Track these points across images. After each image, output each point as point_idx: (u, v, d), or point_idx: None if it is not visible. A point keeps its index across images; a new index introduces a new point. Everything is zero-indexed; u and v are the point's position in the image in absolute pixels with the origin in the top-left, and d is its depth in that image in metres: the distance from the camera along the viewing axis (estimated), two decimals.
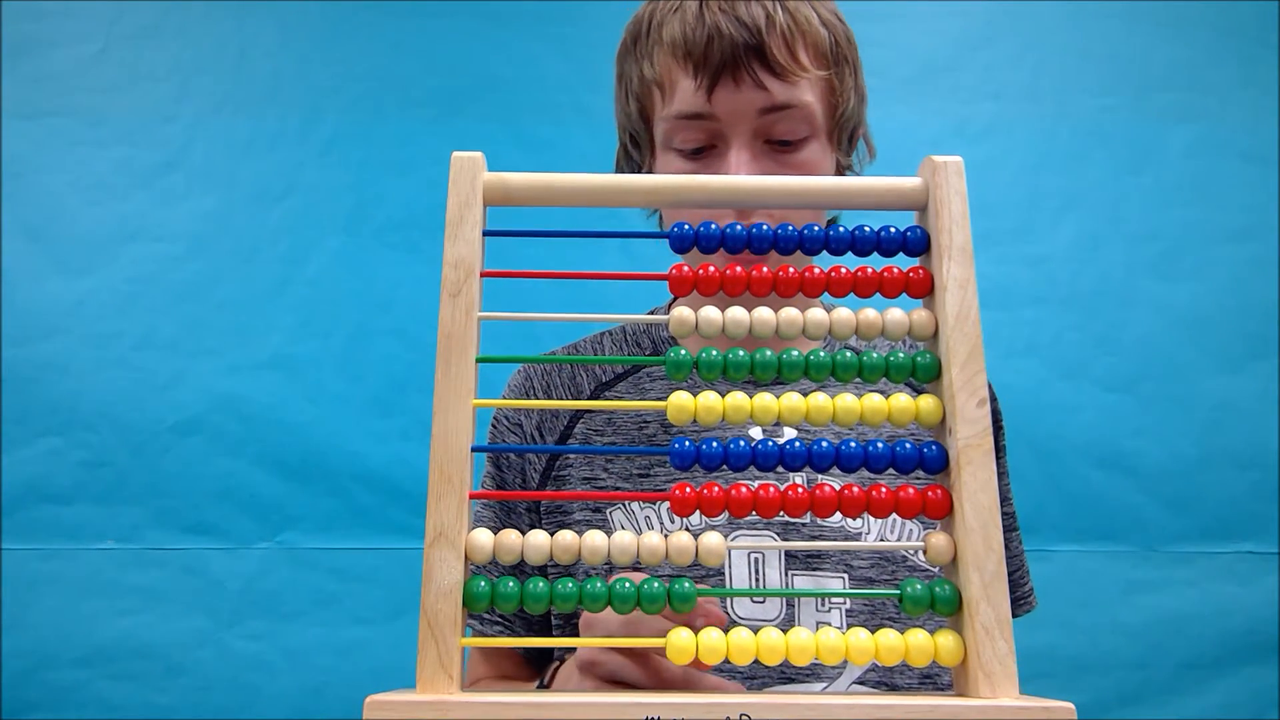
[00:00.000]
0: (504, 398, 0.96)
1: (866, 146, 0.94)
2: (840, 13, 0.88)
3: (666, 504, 0.84)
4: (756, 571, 0.82)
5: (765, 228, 0.64)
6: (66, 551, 1.71)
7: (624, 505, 0.85)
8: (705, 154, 0.84)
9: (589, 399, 0.92)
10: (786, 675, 0.80)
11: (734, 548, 0.77)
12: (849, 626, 0.58)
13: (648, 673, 0.64)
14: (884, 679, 0.82)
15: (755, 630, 0.57)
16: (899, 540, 0.84)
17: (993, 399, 0.93)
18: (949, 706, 0.52)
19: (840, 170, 0.91)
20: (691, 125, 0.83)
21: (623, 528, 0.84)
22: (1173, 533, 1.73)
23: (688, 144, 0.84)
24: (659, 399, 0.90)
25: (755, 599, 0.81)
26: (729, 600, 0.81)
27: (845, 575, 0.82)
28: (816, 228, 0.65)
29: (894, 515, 0.82)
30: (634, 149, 0.91)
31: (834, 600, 0.81)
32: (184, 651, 1.68)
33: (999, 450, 0.94)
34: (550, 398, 0.93)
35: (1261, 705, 1.67)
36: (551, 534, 0.59)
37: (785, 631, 0.57)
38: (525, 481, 0.92)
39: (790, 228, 0.65)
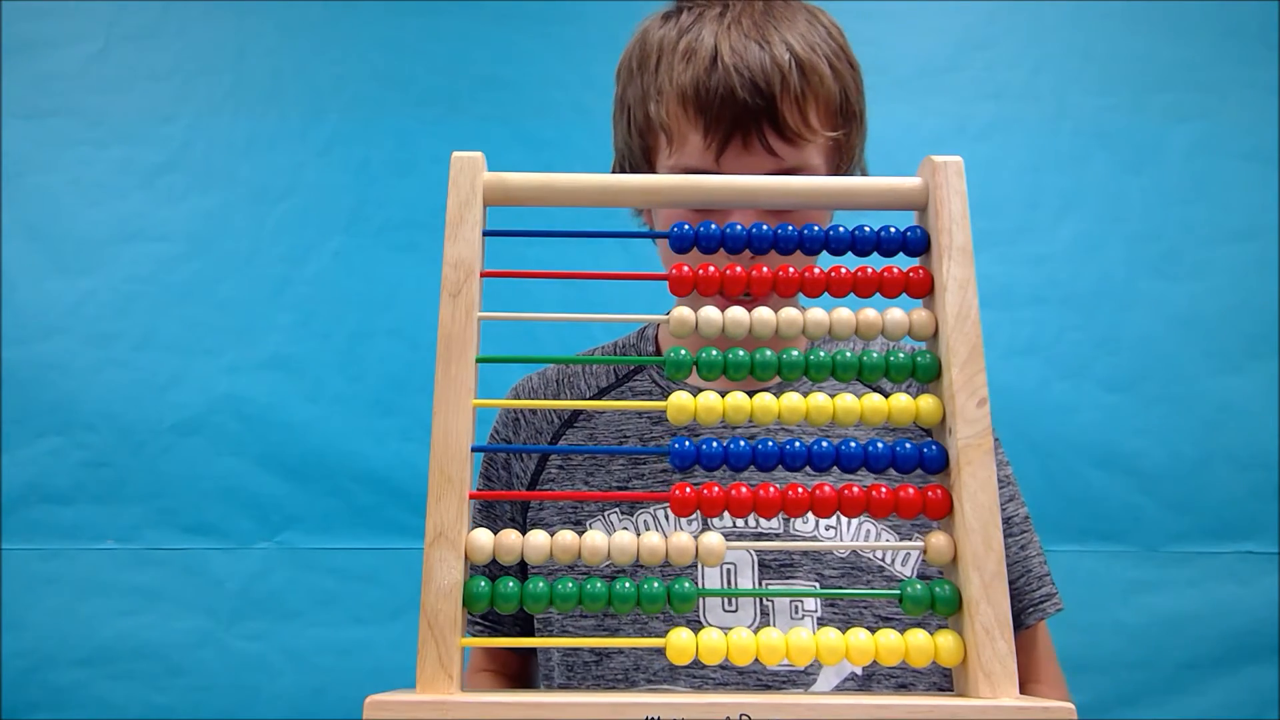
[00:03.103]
0: (500, 414, 0.97)
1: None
2: (850, 52, 0.86)
3: (645, 516, 0.85)
4: (729, 582, 0.82)
5: (765, 228, 0.64)
6: (66, 551, 1.70)
7: (604, 517, 0.86)
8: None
9: (574, 415, 0.92)
10: (764, 683, 0.80)
11: (763, 547, 0.77)
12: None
13: None
14: (862, 687, 0.81)
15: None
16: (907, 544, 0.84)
17: None
18: (949, 706, 0.52)
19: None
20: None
21: None
22: (1173, 533, 1.73)
23: None
24: (642, 413, 0.91)
25: (727, 608, 0.81)
26: (702, 608, 0.81)
27: (817, 584, 0.82)
28: (816, 228, 0.65)
29: (865, 524, 0.83)
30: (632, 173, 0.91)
31: (806, 609, 0.81)
32: (184, 651, 1.68)
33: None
34: (536, 412, 0.93)
35: (1261, 705, 1.67)
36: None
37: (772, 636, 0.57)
38: None
39: (790, 228, 0.65)
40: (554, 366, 0.97)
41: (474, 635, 0.94)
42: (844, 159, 0.86)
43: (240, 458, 1.75)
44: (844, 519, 0.83)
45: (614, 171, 0.93)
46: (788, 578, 0.82)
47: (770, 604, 0.81)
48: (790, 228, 0.65)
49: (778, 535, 0.83)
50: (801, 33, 0.82)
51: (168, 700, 1.66)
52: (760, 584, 0.82)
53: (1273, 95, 1.87)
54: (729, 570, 0.82)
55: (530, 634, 0.93)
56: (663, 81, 0.82)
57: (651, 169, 0.87)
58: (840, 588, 0.83)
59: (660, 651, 0.68)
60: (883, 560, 0.83)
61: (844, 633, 0.57)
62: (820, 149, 0.82)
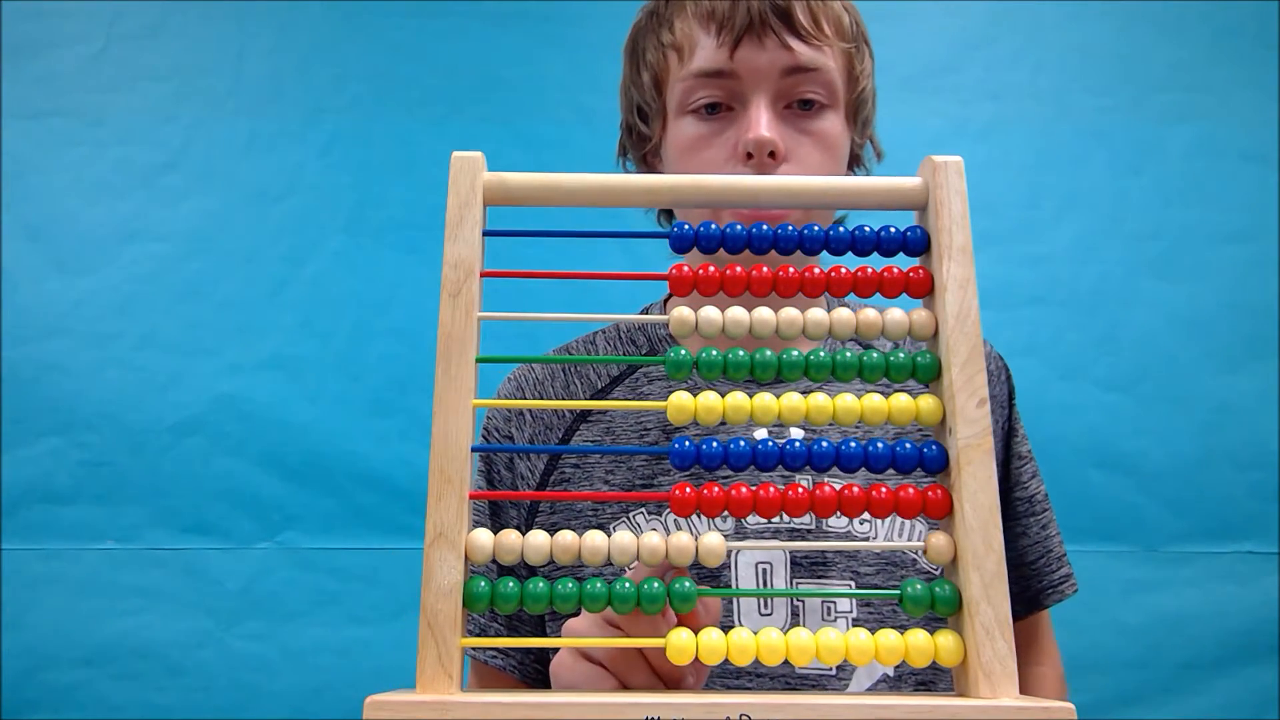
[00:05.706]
0: (492, 410, 0.93)
1: (873, 147, 0.94)
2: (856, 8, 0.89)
3: (675, 517, 0.83)
4: (765, 582, 0.81)
5: (765, 228, 0.64)
6: (66, 551, 1.70)
7: (628, 519, 0.83)
8: (721, 113, 0.83)
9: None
10: (791, 686, 0.79)
11: (743, 547, 0.76)
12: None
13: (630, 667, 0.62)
14: (893, 689, 0.80)
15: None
16: (905, 543, 0.84)
17: (1008, 376, 0.94)
18: (949, 706, 0.52)
19: (854, 156, 0.90)
20: (711, 83, 0.82)
21: None
22: (1173, 533, 1.73)
23: (705, 99, 0.82)
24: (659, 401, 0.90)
25: (763, 611, 0.80)
26: (736, 610, 0.80)
27: (852, 583, 0.81)
28: (816, 228, 0.65)
29: (900, 519, 0.83)
30: (642, 123, 0.90)
31: (840, 610, 0.80)
32: (184, 651, 1.68)
33: (1015, 430, 0.95)
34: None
35: (1261, 705, 1.67)
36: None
37: (784, 633, 0.57)
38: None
39: (790, 228, 0.65)
40: (556, 351, 0.95)
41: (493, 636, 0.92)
42: (859, 77, 0.86)
43: (240, 458, 1.75)
44: (874, 516, 0.83)
45: (621, 133, 0.94)
46: (820, 576, 0.80)
47: (801, 604, 0.79)
48: (790, 228, 0.64)
49: (810, 533, 0.81)
50: None
51: (168, 700, 1.66)
52: (793, 583, 0.80)
53: (1272, 95, 1.87)
54: (764, 570, 0.80)
55: (544, 633, 0.90)
56: (674, 11, 0.85)
57: (661, 100, 0.87)
58: (877, 585, 0.81)
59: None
60: (916, 554, 0.82)
61: (844, 633, 0.57)
62: (834, 55, 0.83)
